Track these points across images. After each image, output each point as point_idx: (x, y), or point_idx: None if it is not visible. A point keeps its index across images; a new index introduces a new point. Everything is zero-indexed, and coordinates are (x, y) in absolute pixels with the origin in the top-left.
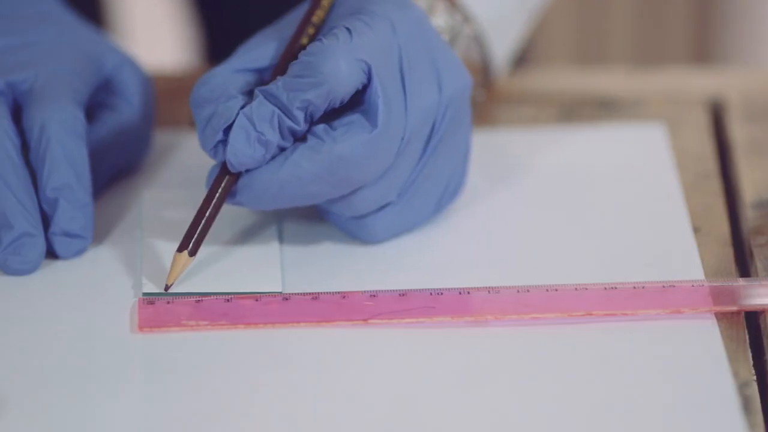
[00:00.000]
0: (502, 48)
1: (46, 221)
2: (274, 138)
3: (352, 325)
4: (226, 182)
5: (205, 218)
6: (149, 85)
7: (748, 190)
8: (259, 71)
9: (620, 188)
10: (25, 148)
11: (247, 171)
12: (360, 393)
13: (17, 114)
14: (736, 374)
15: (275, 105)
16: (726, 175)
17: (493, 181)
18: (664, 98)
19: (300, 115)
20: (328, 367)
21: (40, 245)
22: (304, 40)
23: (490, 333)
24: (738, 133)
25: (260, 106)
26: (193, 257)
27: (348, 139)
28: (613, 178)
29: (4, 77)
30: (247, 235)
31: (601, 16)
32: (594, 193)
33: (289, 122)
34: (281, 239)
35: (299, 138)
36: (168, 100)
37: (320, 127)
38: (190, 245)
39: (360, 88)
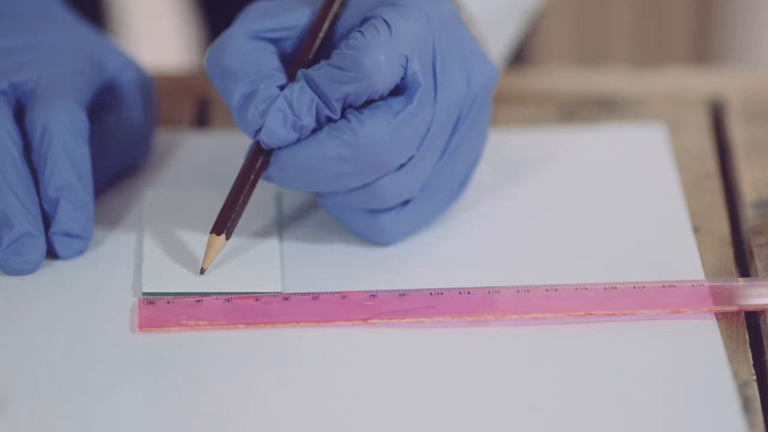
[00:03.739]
0: (497, 49)
1: (46, 221)
2: (309, 123)
3: (352, 325)
4: (260, 163)
5: (240, 199)
6: (151, 87)
7: (748, 190)
8: (278, 40)
9: (620, 188)
10: (26, 148)
11: (277, 148)
12: (360, 393)
13: (20, 114)
14: (736, 374)
15: (315, 92)
16: (726, 175)
17: (494, 181)
18: (664, 98)
19: (338, 106)
20: (328, 367)
21: (41, 245)
22: (338, 9)
23: (490, 333)
24: (738, 133)
25: (301, 92)
26: (227, 239)
27: (374, 122)
28: (613, 178)
29: (7, 78)
30: (246, 235)
31: (601, 16)
32: (594, 193)
33: (326, 111)
34: (281, 239)
35: (331, 120)
36: (168, 100)
37: (349, 110)
38: (226, 228)
39: (399, 81)
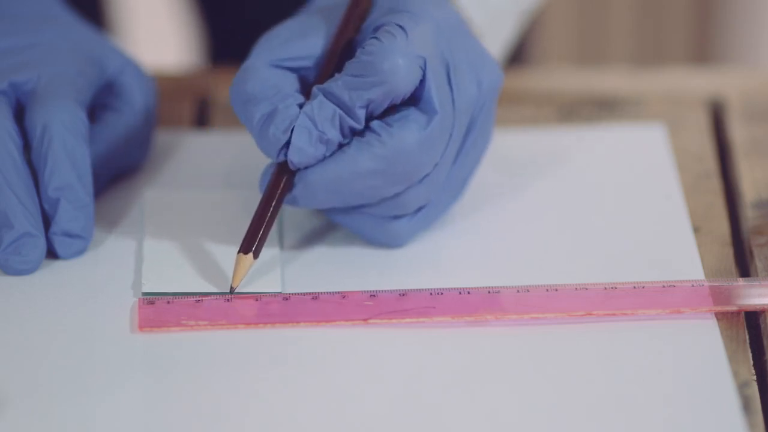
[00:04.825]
0: (494, 50)
1: (46, 221)
2: (335, 137)
3: (352, 325)
4: (285, 181)
5: (267, 219)
6: (151, 87)
7: (748, 190)
8: (298, 68)
9: (620, 188)
10: (26, 148)
11: (303, 168)
12: (360, 393)
13: (20, 114)
14: (736, 374)
15: (336, 104)
16: (726, 175)
17: (493, 181)
18: (664, 98)
19: (362, 114)
20: (328, 367)
21: (41, 245)
22: (351, 34)
23: (490, 333)
24: (738, 133)
25: (321, 106)
26: (255, 259)
27: (404, 134)
28: (613, 178)
29: (7, 78)
30: None
31: (601, 16)
32: (594, 193)
33: (350, 121)
34: (281, 240)
35: (356, 134)
36: (168, 100)
37: (376, 123)
38: (254, 247)
39: (417, 84)
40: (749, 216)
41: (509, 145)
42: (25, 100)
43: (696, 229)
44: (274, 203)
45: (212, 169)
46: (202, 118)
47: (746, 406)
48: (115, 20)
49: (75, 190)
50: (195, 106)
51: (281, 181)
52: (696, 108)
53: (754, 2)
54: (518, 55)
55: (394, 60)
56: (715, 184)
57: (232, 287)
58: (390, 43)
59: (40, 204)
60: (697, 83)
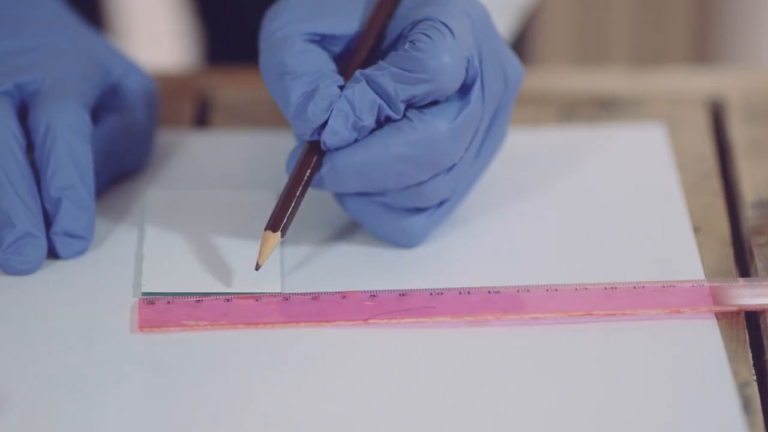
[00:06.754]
0: None
1: (47, 220)
2: (370, 124)
3: (352, 325)
4: (314, 161)
5: (295, 197)
6: (154, 91)
7: (748, 190)
8: (329, 43)
9: (620, 188)
10: (29, 148)
11: (333, 149)
12: (360, 393)
13: (23, 115)
14: (736, 374)
15: (378, 93)
16: (726, 175)
17: (493, 180)
18: (664, 98)
19: (402, 107)
20: (328, 367)
21: (42, 245)
22: (385, 19)
23: (490, 333)
24: (738, 133)
25: (363, 92)
26: (282, 237)
27: (437, 122)
28: (613, 178)
29: (12, 78)
30: (247, 236)
31: (601, 16)
32: (594, 193)
33: (389, 111)
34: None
35: (389, 120)
36: (168, 100)
37: (409, 110)
38: (282, 225)
39: (461, 83)
40: (749, 216)
41: (509, 145)
42: (29, 101)
43: (696, 229)
44: (303, 182)
45: (212, 169)
46: (202, 118)
47: (746, 406)
48: (114, 21)
49: (77, 190)
50: (195, 106)
51: (311, 160)
52: (696, 108)
53: (754, 2)
54: (518, 55)
55: (443, 59)
56: (715, 184)
57: (258, 264)
58: (440, 42)
59: (41, 204)
60: (697, 83)
